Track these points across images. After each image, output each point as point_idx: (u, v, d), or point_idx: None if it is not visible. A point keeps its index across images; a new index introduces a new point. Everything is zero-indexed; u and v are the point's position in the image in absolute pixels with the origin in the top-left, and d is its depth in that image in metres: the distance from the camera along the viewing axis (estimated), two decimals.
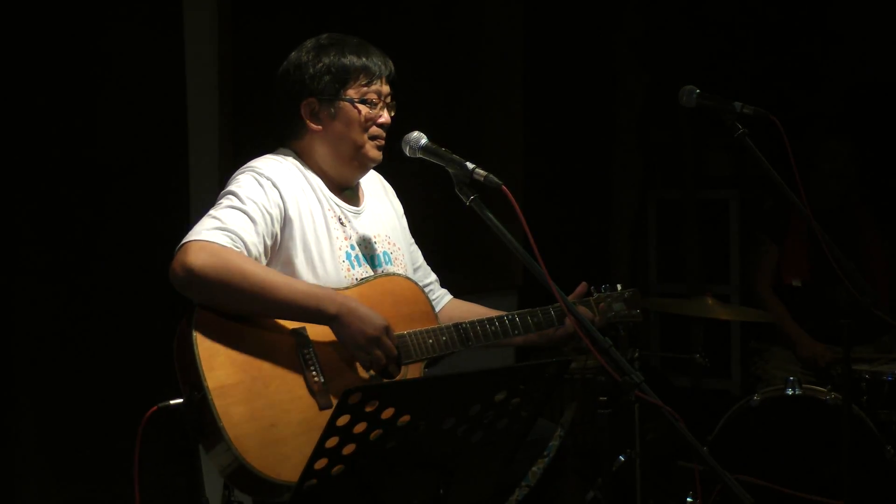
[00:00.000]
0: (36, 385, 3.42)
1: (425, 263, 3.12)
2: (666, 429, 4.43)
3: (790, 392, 3.97)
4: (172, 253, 2.55)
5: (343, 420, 2.12)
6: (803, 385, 4.01)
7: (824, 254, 3.01)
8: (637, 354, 4.03)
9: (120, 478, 3.49)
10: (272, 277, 2.55)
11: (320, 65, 2.78)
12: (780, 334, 4.77)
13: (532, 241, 2.44)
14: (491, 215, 2.56)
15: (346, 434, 2.15)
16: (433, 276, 3.13)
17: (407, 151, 2.75)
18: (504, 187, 2.50)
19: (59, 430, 3.47)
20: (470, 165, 2.59)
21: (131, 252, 3.62)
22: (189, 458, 2.56)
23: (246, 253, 2.57)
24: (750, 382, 4.92)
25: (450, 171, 2.63)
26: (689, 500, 3.87)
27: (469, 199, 2.58)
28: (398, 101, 2.90)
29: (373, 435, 2.18)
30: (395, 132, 2.83)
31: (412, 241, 3.10)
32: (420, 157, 2.73)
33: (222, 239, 2.54)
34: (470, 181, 2.58)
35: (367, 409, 2.13)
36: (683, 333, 5.76)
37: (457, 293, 3.19)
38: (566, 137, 5.75)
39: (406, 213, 3.15)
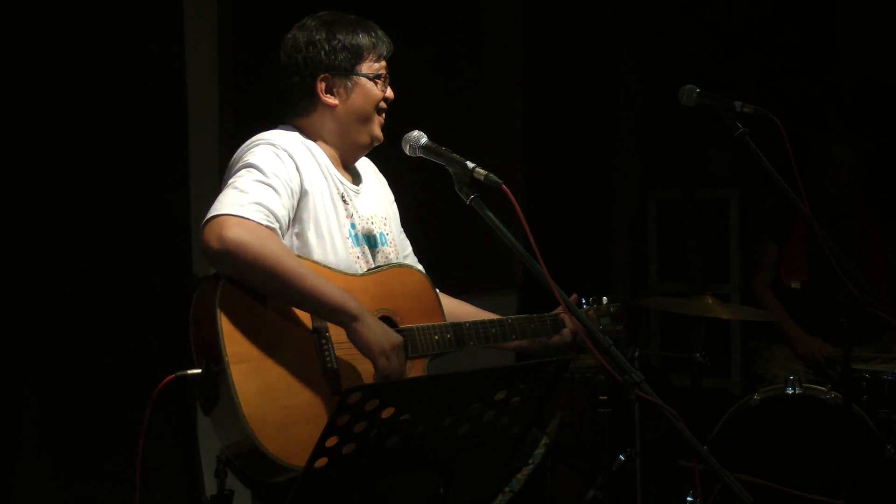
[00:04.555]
0: (37, 385, 3.41)
1: (413, 254, 3.14)
2: (666, 428, 4.43)
3: (790, 391, 3.97)
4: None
5: (343, 419, 2.12)
6: (803, 384, 4.01)
7: (824, 254, 3.01)
8: (637, 354, 4.04)
9: (121, 477, 3.50)
10: (303, 270, 2.55)
11: (335, 41, 2.82)
12: (778, 332, 4.77)
13: (532, 240, 2.44)
14: (491, 215, 2.56)
15: (346, 433, 2.15)
16: (419, 267, 3.14)
17: (407, 150, 2.75)
18: (504, 186, 2.50)
19: (59, 429, 3.47)
20: (470, 165, 2.59)
21: (132, 251, 3.62)
22: (190, 457, 2.56)
23: (278, 227, 2.59)
24: (750, 381, 4.92)
25: (450, 170, 2.63)
26: (689, 499, 3.87)
27: (469, 199, 2.58)
28: (399, 100, 2.92)
29: (373, 434, 2.19)
30: (395, 131, 2.83)
31: (402, 230, 3.11)
32: (420, 157, 2.74)
33: (258, 216, 2.54)
34: (470, 180, 2.58)
35: (367, 409, 2.13)
36: (683, 333, 5.76)
37: (457, 293, 3.19)
38: (566, 137, 5.75)
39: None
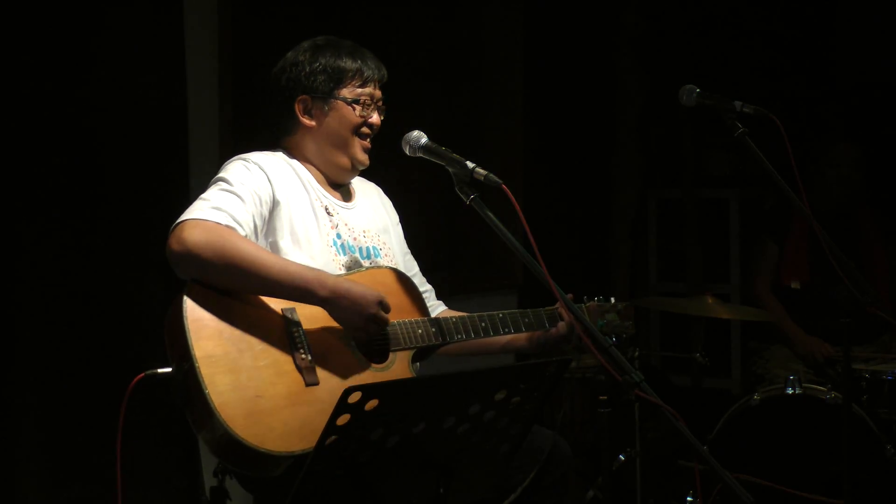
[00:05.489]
0: (37, 385, 3.41)
1: (420, 274, 3.14)
2: (666, 428, 4.43)
3: (790, 391, 3.97)
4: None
5: (343, 419, 2.12)
6: (803, 384, 4.01)
7: (824, 254, 3.01)
8: (637, 354, 4.04)
9: (121, 477, 3.49)
10: (266, 256, 2.59)
11: (317, 64, 2.86)
12: (778, 333, 4.77)
13: (532, 240, 2.45)
14: (491, 214, 2.56)
15: (346, 433, 2.15)
16: (428, 286, 3.15)
17: (407, 150, 2.76)
18: (504, 186, 2.51)
19: (59, 429, 3.47)
20: (470, 164, 2.60)
21: (132, 251, 3.62)
22: (189, 457, 2.56)
23: (239, 228, 2.61)
24: (750, 381, 4.92)
25: (450, 170, 2.64)
26: (689, 499, 3.87)
27: (469, 199, 2.59)
28: (399, 100, 2.93)
29: (373, 434, 2.19)
30: (395, 131, 2.84)
31: (408, 251, 3.13)
32: (420, 157, 2.74)
33: (217, 217, 2.59)
34: (470, 180, 2.59)
35: (367, 409, 2.13)
36: (683, 333, 5.76)
37: (457, 293, 3.20)
38: (566, 137, 5.75)
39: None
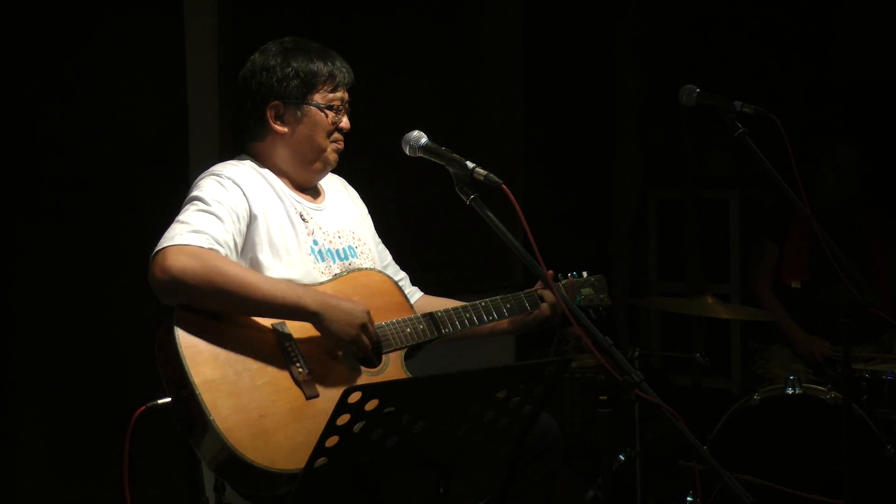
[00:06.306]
0: (36, 385, 3.42)
1: (394, 262, 3.15)
2: (666, 428, 4.43)
3: (790, 391, 3.97)
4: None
5: (343, 419, 2.13)
6: (803, 384, 4.01)
7: (824, 254, 3.01)
8: (637, 353, 4.04)
9: (121, 477, 3.49)
10: (252, 277, 2.58)
11: (289, 69, 2.82)
12: (778, 332, 4.77)
13: (532, 240, 2.44)
14: (491, 214, 2.56)
15: (346, 433, 2.15)
16: (402, 274, 3.15)
17: (407, 151, 2.75)
18: (504, 186, 2.50)
19: (59, 429, 3.47)
20: (470, 164, 2.59)
21: (131, 252, 3.62)
22: (189, 458, 2.56)
23: (220, 249, 2.59)
24: (750, 381, 4.92)
25: (450, 170, 2.63)
26: (689, 499, 3.87)
27: (469, 199, 2.58)
28: (400, 100, 2.92)
29: (373, 434, 2.19)
30: (395, 132, 2.84)
31: (379, 240, 3.13)
32: (420, 157, 2.74)
33: (199, 240, 2.56)
34: (470, 180, 2.59)
35: (367, 409, 2.13)
36: (683, 333, 5.76)
37: (456, 293, 3.19)
38: (566, 137, 5.75)
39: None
